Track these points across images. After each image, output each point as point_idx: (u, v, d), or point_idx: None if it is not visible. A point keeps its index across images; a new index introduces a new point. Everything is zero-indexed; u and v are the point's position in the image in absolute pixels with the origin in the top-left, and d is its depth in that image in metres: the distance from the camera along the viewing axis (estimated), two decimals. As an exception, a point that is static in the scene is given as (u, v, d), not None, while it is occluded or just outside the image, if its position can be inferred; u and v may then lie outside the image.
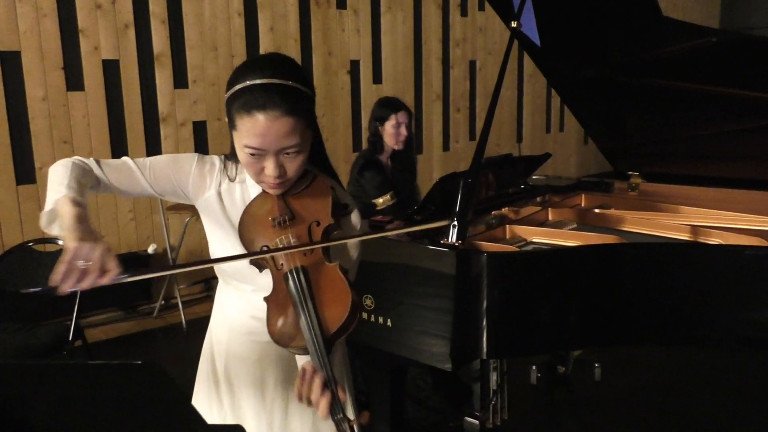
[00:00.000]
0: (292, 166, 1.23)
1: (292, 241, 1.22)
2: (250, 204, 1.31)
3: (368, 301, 2.04)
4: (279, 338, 1.17)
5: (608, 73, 2.72)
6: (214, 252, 1.40)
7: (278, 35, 4.75)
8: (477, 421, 2.75)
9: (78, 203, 1.12)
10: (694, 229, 2.30)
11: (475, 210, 2.56)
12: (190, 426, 0.72)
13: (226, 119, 1.26)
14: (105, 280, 1.03)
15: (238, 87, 1.20)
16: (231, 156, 1.36)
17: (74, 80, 3.97)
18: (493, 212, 2.63)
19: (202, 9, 4.39)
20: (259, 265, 1.27)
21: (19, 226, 3.83)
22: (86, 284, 1.02)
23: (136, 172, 1.32)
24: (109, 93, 4.11)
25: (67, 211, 1.09)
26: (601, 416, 2.98)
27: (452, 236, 1.98)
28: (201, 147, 4.51)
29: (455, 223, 1.98)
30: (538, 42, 2.45)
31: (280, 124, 1.17)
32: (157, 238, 4.37)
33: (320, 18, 4.97)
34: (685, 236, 2.30)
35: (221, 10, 4.47)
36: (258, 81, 1.18)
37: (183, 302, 4.20)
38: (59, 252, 3.18)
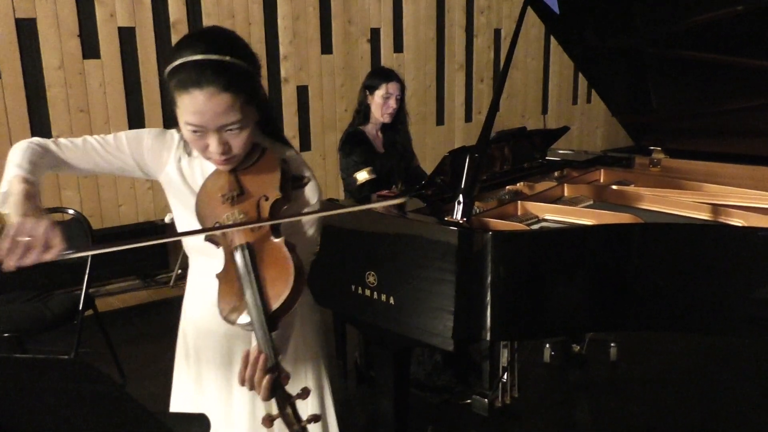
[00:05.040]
0: (237, 142, 1.23)
1: (239, 217, 1.22)
2: (205, 180, 1.32)
3: (371, 278, 2.00)
4: (227, 315, 1.17)
5: (632, 44, 2.59)
6: (179, 227, 1.40)
7: (296, 2, 4.66)
8: (486, 400, 2.71)
9: (27, 181, 1.14)
10: (715, 209, 2.19)
11: (488, 185, 2.49)
12: (135, 419, 0.69)
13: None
14: (49, 256, 1.05)
15: (173, 65, 1.19)
16: None
17: (90, 48, 3.94)
18: (507, 187, 2.56)
19: (219, -25, 4.31)
20: (214, 242, 1.27)
21: (37, 195, 3.85)
22: (30, 260, 1.04)
23: (92, 150, 1.34)
24: (125, 61, 4.07)
25: (16, 189, 1.12)
26: (615, 397, 2.92)
27: (457, 213, 1.92)
28: (218, 116, 4.45)
29: (460, 199, 1.91)
30: (556, 9, 2.33)
31: (217, 102, 1.16)
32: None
33: (340, -16, 4.85)
34: (705, 215, 2.20)
35: (238, -24, 4.39)
36: (192, 58, 1.18)
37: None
38: (72, 220, 3.11)
